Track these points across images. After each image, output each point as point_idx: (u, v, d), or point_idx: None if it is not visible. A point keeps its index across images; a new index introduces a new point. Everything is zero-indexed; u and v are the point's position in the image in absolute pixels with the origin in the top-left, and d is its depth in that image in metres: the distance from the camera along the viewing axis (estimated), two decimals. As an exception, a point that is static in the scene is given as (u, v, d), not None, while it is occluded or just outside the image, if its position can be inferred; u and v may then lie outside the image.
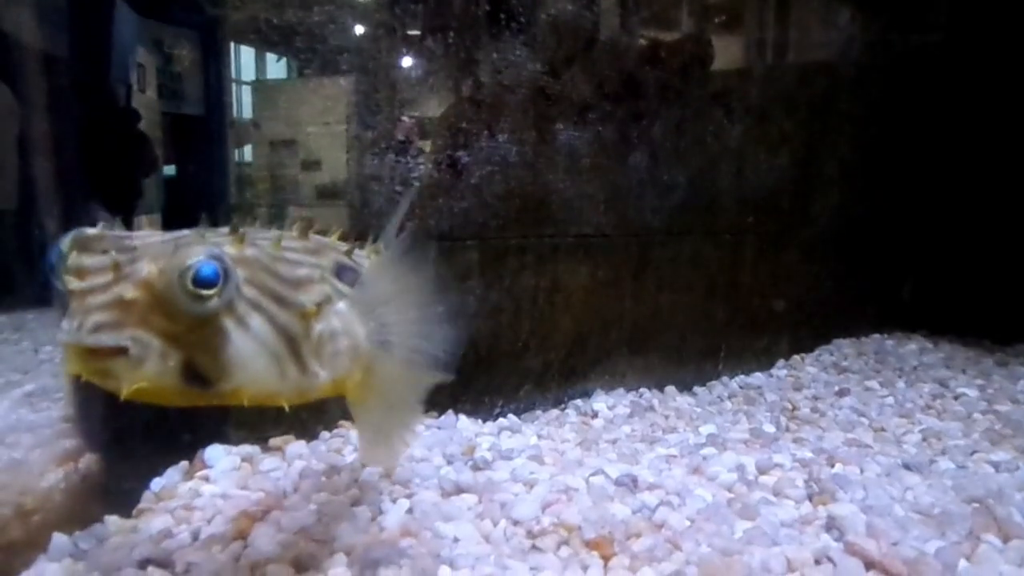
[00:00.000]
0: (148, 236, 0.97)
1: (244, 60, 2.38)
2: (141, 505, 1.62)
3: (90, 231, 0.93)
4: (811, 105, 3.09)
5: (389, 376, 1.13)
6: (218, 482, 1.72)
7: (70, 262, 0.89)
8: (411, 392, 1.20)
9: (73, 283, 0.88)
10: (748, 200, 2.92)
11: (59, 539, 1.41)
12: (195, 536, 1.47)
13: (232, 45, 2.20)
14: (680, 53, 2.57)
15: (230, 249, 0.95)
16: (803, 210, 3.18)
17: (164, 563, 1.35)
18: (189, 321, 0.89)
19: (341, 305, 1.07)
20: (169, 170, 2.26)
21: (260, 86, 2.36)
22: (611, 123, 2.45)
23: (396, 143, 2.12)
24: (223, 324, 0.91)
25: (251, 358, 0.94)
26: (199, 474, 1.75)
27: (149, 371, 0.87)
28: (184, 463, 1.79)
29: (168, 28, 2.22)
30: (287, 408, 1.03)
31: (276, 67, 2.45)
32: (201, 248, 0.89)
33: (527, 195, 2.32)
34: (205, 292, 0.87)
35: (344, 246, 1.20)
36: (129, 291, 0.87)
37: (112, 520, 1.52)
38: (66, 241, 0.91)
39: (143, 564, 1.34)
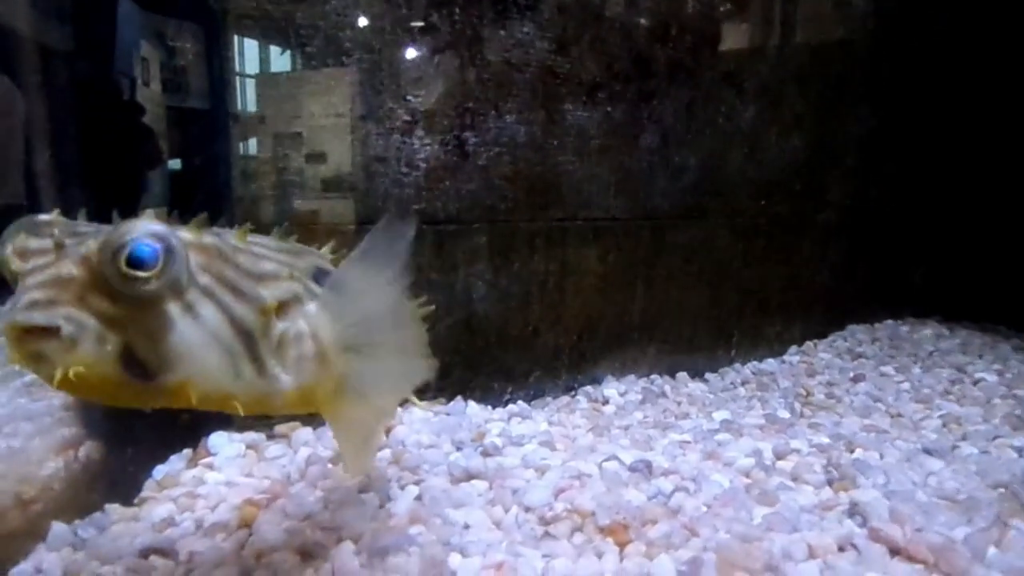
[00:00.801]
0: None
1: (248, 52, 2.35)
2: (143, 493, 1.58)
3: (42, 216, 0.87)
4: (825, 85, 3.02)
5: (363, 385, 1.04)
6: (222, 469, 1.68)
7: (16, 245, 0.84)
8: (388, 400, 1.13)
9: (15, 264, 0.83)
10: (760, 183, 2.86)
11: (59, 528, 1.38)
12: (199, 524, 1.44)
13: (235, 37, 2.16)
14: (691, 31, 2.50)
15: (186, 234, 0.88)
16: (816, 193, 3.12)
17: (167, 552, 1.32)
18: (129, 303, 0.82)
19: (311, 307, 0.99)
20: (174, 163, 2.24)
21: (264, 78, 2.31)
22: (621, 103, 2.40)
23: (402, 125, 2.07)
24: (167, 310, 0.84)
25: (198, 350, 0.86)
26: (203, 461, 1.71)
27: (84, 355, 0.80)
28: (187, 450, 1.75)
29: (171, 21, 2.19)
30: (241, 413, 0.93)
31: (280, 59, 2.42)
32: (142, 226, 0.82)
33: (536, 177, 2.27)
34: (140, 273, 0.80)
35: (330, 255, 1.14)
36: (66, 269, 0.81)
37: (113, 508, 1.49)
38: (12, 226, 0.85)
39: (145, 553, 1.31)
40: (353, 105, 2.03)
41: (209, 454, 1.74)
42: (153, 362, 0.84)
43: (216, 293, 0.89)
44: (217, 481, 1.62)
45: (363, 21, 2.01)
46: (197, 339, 0.86)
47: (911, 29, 3.31)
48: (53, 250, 0.83)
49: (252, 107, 2.21)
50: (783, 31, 2.86)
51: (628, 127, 2.44)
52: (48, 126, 1.79)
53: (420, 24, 2.02)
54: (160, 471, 1.67)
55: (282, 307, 0.95)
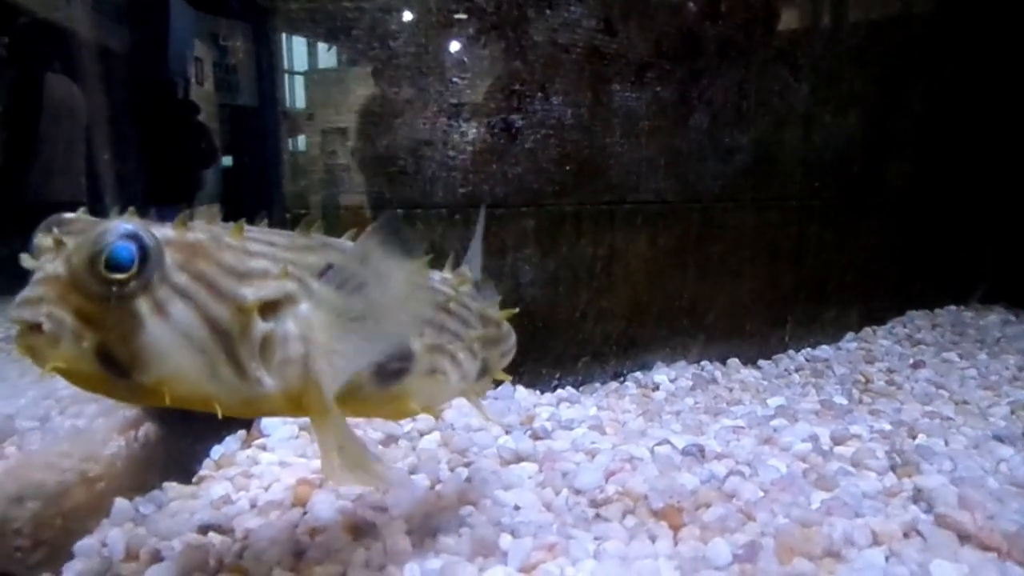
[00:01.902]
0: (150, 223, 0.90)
1: (296, 50, 2.38)
2: (201, 472, 1.62)
3: (67, 215, 0.88)
4: (883, 62, 2.91)
5: (357, 395, 0.98)
6: (276, 450, 1.71)
7: (36, 242, 0.86)
8: (387, 412, 1.04)
9: (28, 261, 0.85)
10: (815, 164, 2.77)
11: (121, 504, 1.41)
12: (253, 503, 1.46)
13: (284, 36, 2.20)
14: (743, 7, 2.43)
15: (170, 232, 0.88)
16: (874, 174, 3.01)
17: (224, 529, 1.34)
18: (103, 302, 0.82)
19: (304, 307, 0.93)
20: (226, 160, 2.28)
21: (312, 75, 2.34)
22: (670, 83, 2.35)
23: (449, 109, 2.06)
24: (138, 309, 0.83)
25: (170, 350, 0.85)
26: (256, 442, 1.74)
27: (64, 351, 0.82)
28: (242, 432, 1.78)
29: (222, 21, 2.23)
30: (220, 415, 0.90)
31: (327, 54, 2.44)
32: (118, 226, 0.82)
33: (583, 160, 2.25)
34: (117, 275, 0.81)
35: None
36: (53, 268, 0.83)
37: (172, 486, 1.52)
38: (42, 224, 0.87)
39: (203, 529, 1.34)
40: (399, 92, 2.04)
41: (262, 435, 1.77)
42: (126, 361, 0.84)
43: (191, 292, 0.86)
44: (271, 461, 1.65)
45: (409, 8, 2.01)
46: (168, 339, 0.85)
47: (972, 3, 3.17)
48: (55, 248, 0.85)
49: (301, 103, 2.24)
50: (839, 6, 2.77)
51: (677, 107, 2.39)
52: (107, 125, 1.83)
53: (466, 7, 2.01)
54: (216, 451, 1.70)
55: (269, 307, 0.91)
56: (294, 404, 0.95)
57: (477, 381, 1.21)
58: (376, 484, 1.02)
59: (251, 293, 0.89)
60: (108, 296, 0.82)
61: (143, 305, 0.84)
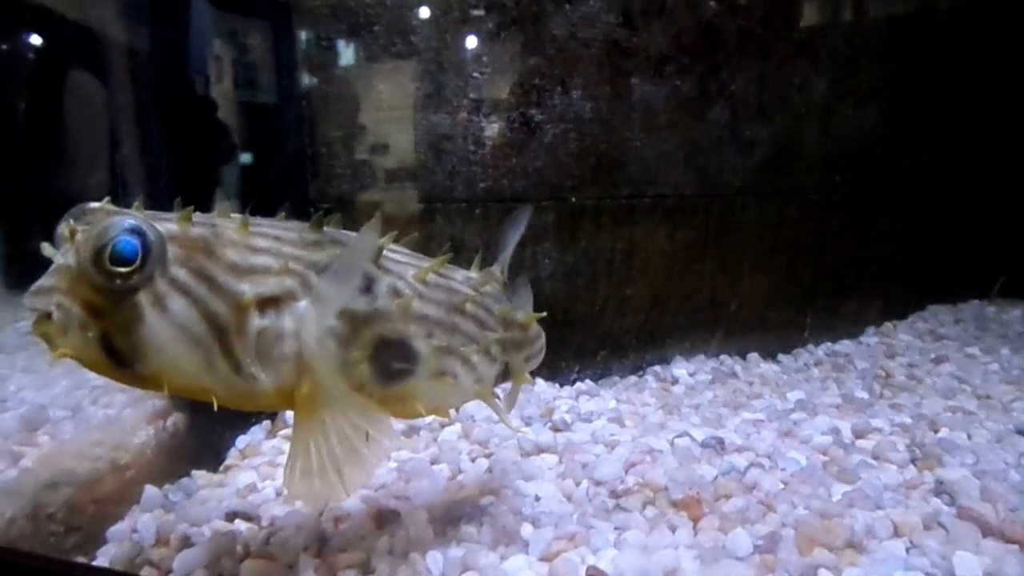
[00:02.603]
0: (157, 216, 0.93)
1: (319, 49, 2.39)
2: (227, 461, 1.65)
3: (91, 204, 0.91)
4: (904, 53, 2.88)
5: (338, 396, 0.96)
6: (300, 441, 1.73)
7: (59, 231, 0.90)
8: (365, 422, 0.98)
9: (48, 249, 0.89)
10: (836, 157, 2.75)
11: (151, 492, 1.45)
12: (279, 492, 1.49)
13: (304, 32, 2.21)
14: (762, 0, 2.42)
15: (172, 226, 0.90)
16: (895, 167, 2.98)
17: (250, 516, 1.37)
18: (107, 294, 0.86)
19: (301, 304, 0.93)
20: (245, 157, 2.30)
21: (334, 72, 2.35)
22: (689, 77, 2.34)
23: (469, 104, 2.08)
24: (139, 302, 0.87)
25: (167, 343, 0.87)
26: (281, 432, 1.77)
27: (71, 340, 0.87)
28: (267, 422, 1.82)
29: (242, 19, 2.25)
30: (215, 406, 0.93)
31: (347, 51, 2.46)
32: (123, 221, 0.85)
33: (602, 154, 2.25)
34: (121, 269, 0.85)
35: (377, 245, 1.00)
36: (67, 259, 0.87)
37: (200, 475, 1.56)
38: (67, 214, 0.91)
39: (230, 517, 1.37)
40: (420, 87, 2.05)
41: (287, 425, 1.80)
42: (126, 351, 0.88)
43: (190, 287, 0.89)
44: (295, 452, 1.67)
45: (428, 4, 2.03)
46: (166, 333, 0.87)
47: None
48: (70, 239, 0.88)
49: (321, 101, 2.24)
50: (860, -2, 2.75)
51: (697, 101, 2.38)
52: (129, 123, 1.86)
53: (486, 2, 2.02)
54: (242, 440, 1.73)
55: (267, 303, 0.92)
56: (288, 399, 0.96)
57: (496, 383, 1.19)
58: (336, 498, 1.02)
59: (249, 289, 0.91)
60: (112, 289, 0.86)
61: (144, 299, 0.87)
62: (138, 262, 0.85)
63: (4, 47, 2.03)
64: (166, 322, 0.88)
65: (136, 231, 0.85)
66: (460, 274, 1.14)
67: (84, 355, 0.88)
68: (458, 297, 1.08)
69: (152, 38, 1.95)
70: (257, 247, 0.94)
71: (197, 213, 0.95)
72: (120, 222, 0.86)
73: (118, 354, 0.88)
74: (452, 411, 1.82)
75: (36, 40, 2.01)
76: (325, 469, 0.95)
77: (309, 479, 0.95)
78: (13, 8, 1.90)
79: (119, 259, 0.84)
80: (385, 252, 1.02)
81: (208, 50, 2.19)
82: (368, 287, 0.97)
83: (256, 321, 0.91)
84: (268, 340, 0.92)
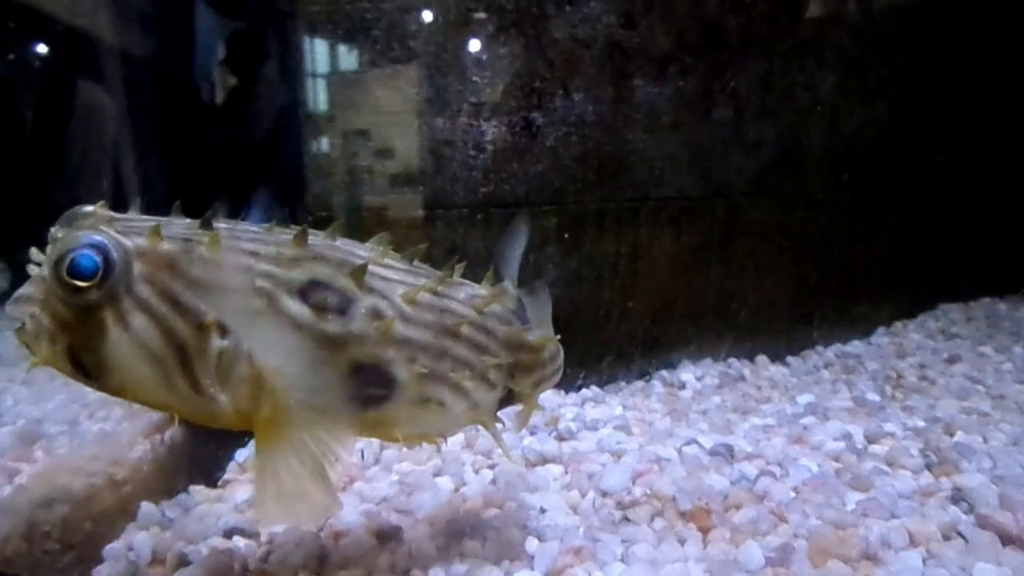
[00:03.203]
0: (141, 220, 0.92)
1: (318, 52, 2.39)
2: (226, 476, 1.62)
3: (85, 208, 0.90)
4: (912, 49, 2.84)
5: (297, 422, 0.92)
6: (300, 453, 1.70)
7: (51, 234, 0.89)
8: (325, 448, 0.93)
9: (37, 255, 0.88)
10: (842, 156, 2.71)
11: (147, 508, 1.42)
12: (278, 506, 1.45)
13: (306, 38, 2.20)
14: (766, -3, 2.38)
15: (141, 240, 0.87)
16: (903, 166, 2.94)
17: (248, 533, 1.34)
18: (72, 308, 0.85)
19: (268, 324, 0.90)
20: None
21: (334, 78, 2.34)
22: (692, 77, 2.30)
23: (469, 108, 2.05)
24: (102, 318, 0.85)
25: (128, 361, 0.86)
26: (281, 445, 1.74)
27: (42, 351, 0.87)
28: (267, 435, 1.79)
29: (245, 25, 2.24)
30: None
31: (348, 56, 2.44)
32: (85, 236, 0.84)
33: (605, 156, 2.22)
34: (80, 283, 0.83)
35: (365, 255, 0.97)
36: (44, 269, 0.87)
37: (198, 490, 1.53)
38: (60, 218, 0.91)
39: (228, 534, 1.34)
40: (420, 91, 2.03)
41: (287, 438, 1.77)
42: (92, 366, 0.88)
43: (153, 306, 0.87)
44: (295, 464, 1.64)
45: (428, 8, 2.00)
46: (127, 351, 0.86)
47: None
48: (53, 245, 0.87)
49: (324, 106, 2.24)
50: (865, -6, 2.71)
51: (700, 101, 2.35)
52: (134, 129, 1.85)
53: (485, 5, 1.99)
54: (241, 455, 1.70)
55: (221, 323, 0.89)
56: (247, 421, 0.93)
57: (499, 408, 1.11)
58: (314, 521, 1.01)
59: (210, 309, 0.89)
60: (75, 303, 0.85)
61: (109, 315, 0.86)
62: (97, 278, 0.84)
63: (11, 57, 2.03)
64: (128, 340, 0.86)
65: (97, 247, 0.84)
66: (465, 292, 1.06)
67: (55, 366, 0.88)
68: (452, 319, 1.01)
69: (156, 45, 1.95)
70: (228, 264, 0.90)
71: (182, 220, 0.94)
72: (82, 237, 0.84)
73: (83, 367, 0.88)
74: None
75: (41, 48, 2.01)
76: (293, 492, 0.91)
77: (282, 505, 0.92)
78: (25, 20, 1.90)
79: (77, 274, 0.83)
80: (373, 268, 0.96)
81: (212, 57, 2.19)
82: (344, 308, 0.92)
83: (216, 342, 0.88)
84: (228, 361, 0.89)
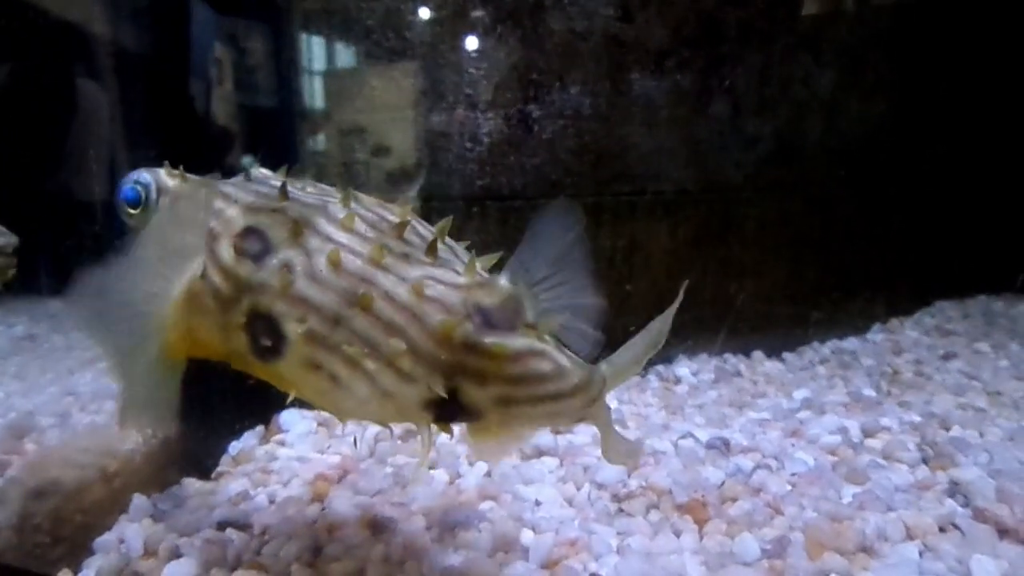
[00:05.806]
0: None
1: (315, 50, 2.38)
2: (219, 468, 1.61)
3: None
4: (910, 44, 2.83)
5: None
6: (294, 446, 1.69)
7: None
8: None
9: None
10: (840, 151, 2.70)
11: (139, 500, 1.41)
12: (272, 499, 1.45)
13: (303, 35, 2.19)
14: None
15: (170, 181, 1.07)
16: (901, 161, 2.93)
17: (242, 525, 1.33)
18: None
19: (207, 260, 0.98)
20: (246, 160, 2.28)
21: (330, 75, 2.33)
22: (690, 71, 2.30)
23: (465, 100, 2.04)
24: None
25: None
26: (275, 438, 1.73)
27: None
28: (260, 427, 1.78)
29: (242, 22, 2.23)
30: None
31: (345, 53, 2.43)
32: (137, 173, 1.06)
33: (602, 150, 2.21)
34: (129, 210, 1.05)
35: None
36: None
37: (190, 482, 1.51)
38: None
39: (221, 526, 1.33)
40: (415, 84, 2.02)
41: (281, 431, 1.76)
42: None
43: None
44: (289, 457, 1.63)
45: (421, 1, 1.99)
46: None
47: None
48: None
49: (320, 102, 2.23)
50: (863, -11, 2.70)
51: (698, 95, 2.34)
52: (130, 125, 1.84)
53: (481, -3, 1.98)
54: (234, 447, 1.69)
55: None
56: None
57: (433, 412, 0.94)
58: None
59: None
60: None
61: None
62: (140, 209, 1.05)
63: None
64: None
65: (140, 182, 1.05)
66: (436, 272, 0.93)
67: None
68: (370, 290, 0.90)
69: (152, 42, 1.93)
70: (198, 203, 1.02)
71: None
72: (134, 173, 1.05)
73: None
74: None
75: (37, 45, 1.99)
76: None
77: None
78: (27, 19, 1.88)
79: (127, 202, 1.05)
80: (326, 228, 0.94)
81: (209, 55, 2.18)
82: (261, 255, 0.94)
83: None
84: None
